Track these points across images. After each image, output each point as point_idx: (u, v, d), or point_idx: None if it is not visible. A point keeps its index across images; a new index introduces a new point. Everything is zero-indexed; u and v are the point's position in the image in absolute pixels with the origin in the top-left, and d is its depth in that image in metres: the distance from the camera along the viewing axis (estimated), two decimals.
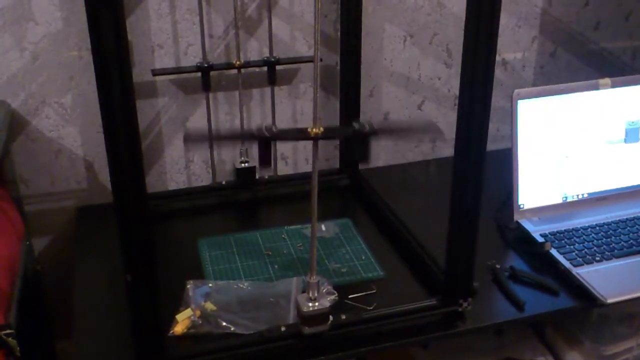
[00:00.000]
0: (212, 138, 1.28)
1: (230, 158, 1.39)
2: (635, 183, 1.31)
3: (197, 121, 1.34)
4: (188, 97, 1.33)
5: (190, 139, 1.13)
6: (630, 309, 1.23)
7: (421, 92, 1.49)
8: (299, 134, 0.84)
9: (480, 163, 0.91)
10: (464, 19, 0.84)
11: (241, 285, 1.06)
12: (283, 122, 1.40)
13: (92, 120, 1.27)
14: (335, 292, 1.05)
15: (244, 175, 1.33)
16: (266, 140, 0.81)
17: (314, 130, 0.83)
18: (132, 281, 0.83)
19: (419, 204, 1.36)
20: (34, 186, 1.30)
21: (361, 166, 1.42)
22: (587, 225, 1.23)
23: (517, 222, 1.22)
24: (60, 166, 1.30)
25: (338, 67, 1.36)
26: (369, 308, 1.03)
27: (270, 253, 1.17)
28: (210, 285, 1.06)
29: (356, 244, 1.20)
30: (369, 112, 1.46)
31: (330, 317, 0.92)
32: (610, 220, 1.24)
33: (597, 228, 1.22)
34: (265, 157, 0.82)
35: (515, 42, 1.52)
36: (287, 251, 1.18)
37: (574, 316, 1.23)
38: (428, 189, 1.44)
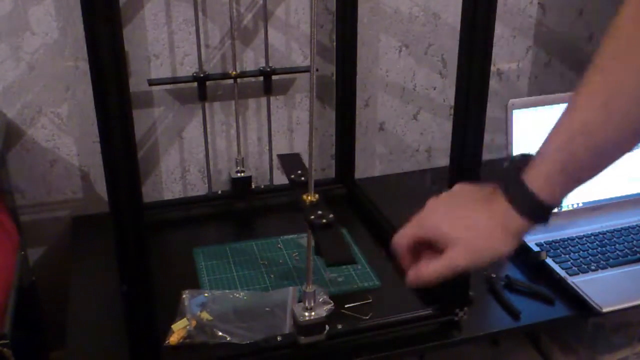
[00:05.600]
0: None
1: (226, 168, 1.39)
2: (630, 192, 1.31)
3: (193, 131, 1.35)
4: (184, 107, 1.33)
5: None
6: (625, 318, 1.23)
7: (416, 102, 1.50)
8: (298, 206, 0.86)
9: (476, 173, 0.91)
10: (459, 29, 0.85)
11: (237, 295, 1.06)
12: (279, 132, 1.40)
13: (88, 130, 1.27)
14: (331, 301, 1.04)
15: (240, 184, 1.33)
16: None
17: (309, 197, 0.84)
18: (128, 291, 0.83)
19: (414, 214, 1.35)
20: (30, 196, 1.30)
21: (357, 176, 1.42)
22: (582, 234, 1.23)
23: None
24: (56, 176, 1.30)
25: (334, 77, 1.37)
26: (365, 318, 1.02)
27: (266, 262, 1.17)
28: (206, 294, 1.05)
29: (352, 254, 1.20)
30: (365, 122, 1.46)
31: (327, 327, 0.92)
32: (605, 230, 1.24)
33: (592, 237, 1.22)
34: None
35: (509, 52, 1.52)
36: (282, 261, 1.18)
37: (570, 325, 1.23)
38: (424, 199, 1.43)
